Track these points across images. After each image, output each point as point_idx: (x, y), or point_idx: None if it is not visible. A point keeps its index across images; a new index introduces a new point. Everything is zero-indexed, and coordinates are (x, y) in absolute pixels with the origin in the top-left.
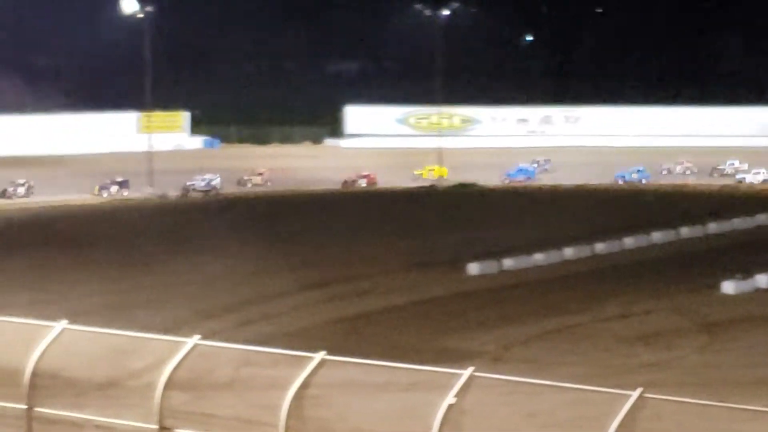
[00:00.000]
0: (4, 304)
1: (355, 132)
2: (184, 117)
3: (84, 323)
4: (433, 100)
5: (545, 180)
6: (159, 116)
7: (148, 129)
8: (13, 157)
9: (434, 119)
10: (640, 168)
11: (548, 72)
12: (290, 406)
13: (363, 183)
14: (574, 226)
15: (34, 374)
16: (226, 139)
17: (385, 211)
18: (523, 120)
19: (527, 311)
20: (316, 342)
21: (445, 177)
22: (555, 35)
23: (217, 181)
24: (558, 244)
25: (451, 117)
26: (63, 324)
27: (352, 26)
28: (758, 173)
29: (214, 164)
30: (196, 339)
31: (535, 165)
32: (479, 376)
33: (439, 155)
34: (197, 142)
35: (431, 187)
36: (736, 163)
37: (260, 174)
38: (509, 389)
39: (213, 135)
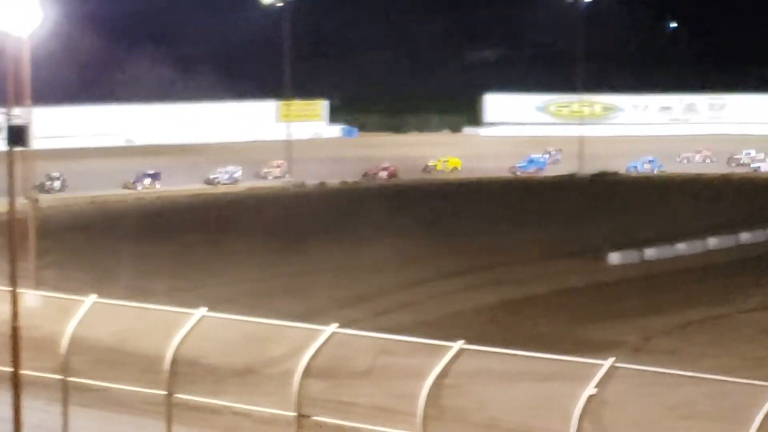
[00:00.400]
0: (145, 290)
1: (494, 120)
2: (322, 106)
3: (223, 311)
4: (573, 88)
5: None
6: (298, 105)
7: (287, 117)
8: (157, 146)
9: (575, 107)
10: (651, 158)
11: (692, 59)
12: (428, 395)
13: (384, 175)
14: (715, 215)
15: (174, 361)
16: (364, 127)
17: (524, 200)
18: (666, 108)
19: (669, 301)
20: (453, 331)
21: (459, 168)
22: (699, 21)
23: (238, 174)
24: (700, 233)
25: (592, 105)
26: (202, 311)
27: (491, 13)
28: None
29: (351, 153)
30: (334, 327)
31: (546, 156)
32: (620, 367)
33: (580, 144)
34: (335, 130)
35: (571, 175)
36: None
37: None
38: (650, 380)
39: (351, 124)
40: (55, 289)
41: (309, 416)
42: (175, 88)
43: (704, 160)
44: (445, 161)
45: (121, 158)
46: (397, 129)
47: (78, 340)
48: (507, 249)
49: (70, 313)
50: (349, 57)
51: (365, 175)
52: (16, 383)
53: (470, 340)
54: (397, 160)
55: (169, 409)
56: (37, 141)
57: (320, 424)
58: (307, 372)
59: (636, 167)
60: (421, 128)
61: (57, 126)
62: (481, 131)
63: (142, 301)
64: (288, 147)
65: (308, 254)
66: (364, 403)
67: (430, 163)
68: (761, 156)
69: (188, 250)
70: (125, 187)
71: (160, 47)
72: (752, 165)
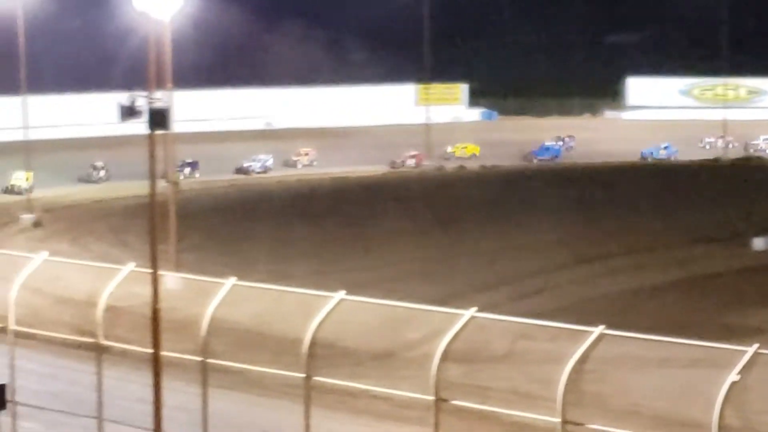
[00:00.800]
0: (283, 274)
1: (636, 104)
2: (462, 89)
3: (361, 294)
4: (718, 71)
5: None
6: (437, 88)
7: (426, 101)
8: (301, 129)
9: (719, 90)
10: (667, 145)
11: None
12: (568, 380)
13: (412, 163)
14: None
15: (313, 344)
16: (503, 111)
17: (666, 184)
18: None
19: None
20: (593, 316)
21: (477, 155)
22: None
23: (270, 162)
24: None
25: (737, 88)
26: (341, 295)
27: None
28: None
29: (491, 137)
30: (472, 311)
31: (561, 143)
32: (764, 354)
33: (724, 127)
34: (475, 114)
35: (715, 160)
36: None
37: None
38: None
39: (491, 107)
40: (195, 271)
41: (447, 400)
42: (314, 71)
43: None
44: (463, 148)
45: (261, 142)
46: (538, 112)
47: (217, 323)
48: (649, 234)
49: (209, 296)
50: (489, 40)
51: (393, 164)
52: (156, 365)
53: (611, 326)
54: (537, 144)
55: (308, 392)
56: (178, 124)
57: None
58: (446, 356)
59: (651, 153)
60: (561, 112)
61: (197, 109)
62: (623, 115)
63: (281, 285)
64: (427, 131)
65: (447, 238)
66: (502, 387)
67: (449, 149)
68: None
69: (328, 234)
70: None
71: (299, 30)
72: None
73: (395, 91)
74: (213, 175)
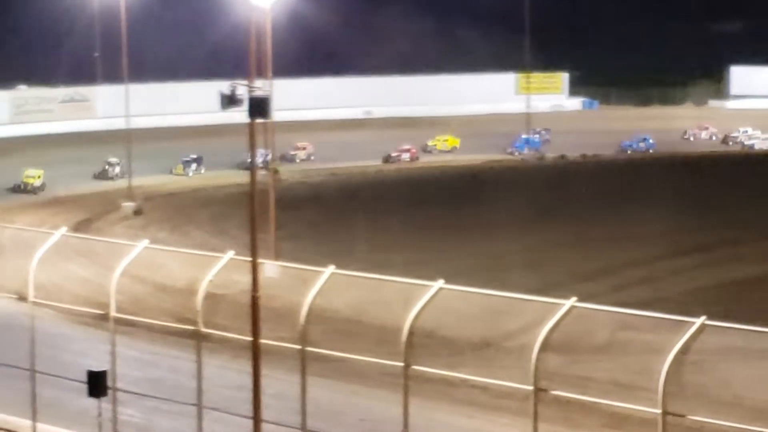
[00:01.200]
0: (381, 263)
1: (740, 93)
2: (562, 78)
3: (459, 284)
4: None
5: None
6: (537, 77)
7: (526, 90)
8: (399, 118)
9: None
10: (647, 137)
11: None
12: (669, 371)
13: (406, 157)
14: None
15: (411, 333)
16: (605, 100)
17: (762, 174)
18: None
19: None
20: (694, 307)
21: (458, 147)
22: None
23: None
24: None
25: None
26: (439, 284)
27: None
28: None
29: (592, 126)
30: (572, 301)
31: (537, 136)
32: None
33: None
34: (576, 103)
35: None
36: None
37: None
38: None
39: (592, 96)
40: (293, 260)
41: (546, 390)
42: (414, 60)
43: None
44: (444, 140)
45: (359, 131)
46: (640, 102)
47: (316, 311)
48: (749, 225)
49: (308, 284)
50: (590, 29)
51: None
52: (255, 352)
53: (712, 317)
54: (641, 132)
55: (406, 381)
56: (277, 113)
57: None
58: (545, 346)
59: (631, 146)
60: (663, 101)
61: (296, 98)
62: (727, 104)
63: (379, 274)
64: (527, 119)
65: (547, 228)
66: (602, 378)
67: (430, 142)
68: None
69: (426, 223)
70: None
71: (399, 19)
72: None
73: (495, 79)
74: (318, 164)
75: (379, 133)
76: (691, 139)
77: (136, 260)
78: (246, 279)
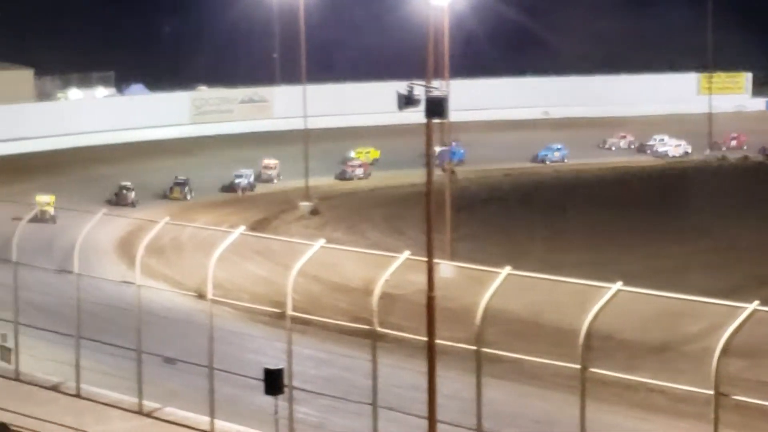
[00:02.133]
0: (556, 264)
1: None
2: (746, 78)
3: (637, 285)
4: None
5: None
6: (720, 77)
7: (708, 90)
8: (571, 119)
9: None
10: (560, 146)
11: None
12: None
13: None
14: None
15: (588, 335)
16: None
17: None
18: None
19: None
20: None
21: (378, 159)
22: None
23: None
24: None
25: None
26: (618, 285)
27: None
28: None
29: None
30: (755, 305)
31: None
32: None
33: None
34: (759, 103)
35: None
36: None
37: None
38: None
39: None
40: (469, 260)
41: (728, 395)
42: (592, 60)
43: None
44: (366, 152)
45: (536, 131)
46: None
47: (491, 312)
48: None
49: (483, 285)
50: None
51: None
52: (431, 353)
53: None
54: None
55: (583, 383)
56: (454, 113)
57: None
58: (726, 350)
59: (546, 156)
60: None
61: (474, 98)
62: None
63: (555, 275)
64: (709, 120)
65: (728, 229)
66: None
67: (352, 153)
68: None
69: (602, 225)
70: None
71: (576, 18)
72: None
73: (676, 79)
74: (493, 165)
75: (551, 133)
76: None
77: (312, 259)
78: (421, 279)
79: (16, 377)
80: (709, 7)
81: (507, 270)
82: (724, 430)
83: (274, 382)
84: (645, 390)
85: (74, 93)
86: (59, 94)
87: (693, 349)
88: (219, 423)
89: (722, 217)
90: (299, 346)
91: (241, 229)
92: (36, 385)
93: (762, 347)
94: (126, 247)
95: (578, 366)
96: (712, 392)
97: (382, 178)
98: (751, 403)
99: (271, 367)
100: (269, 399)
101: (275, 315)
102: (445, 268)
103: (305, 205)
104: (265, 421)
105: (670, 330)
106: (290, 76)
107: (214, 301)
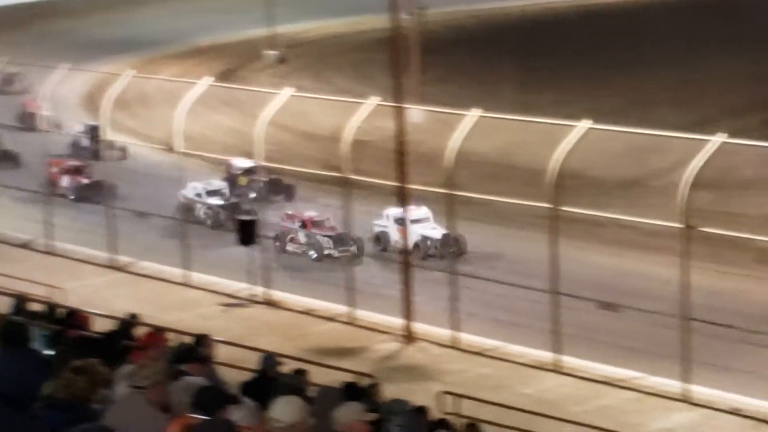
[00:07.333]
0: (527, 104)
1: None
2: None
3: (606, 123)
4: None
5: None
6: None
7: None
8: None
9: None
10: None
11: None
12: None
13: None
14: None
15: (559, 174)
16: None
17: None
18: None
19: None
20: None
21: None
22: None
23: None
24: None
25: None
26: (587, 124)
27: None
28: None
29: None
30: (723, 137)
31: None
32: None
33: None
34: None
35: None
36: None
37: None
38: None
39: None
40: (438, 104)
41: (696, 227)
42: None
43: None
44: None
45: None
46: None
47: (462, 155)
48: None
49: (454, 128)
50: None
51: None
52: (403, 198)
53: None
54: None
55: (554, 222)
56: None
57: None
58: (694, 183)
59: None
60: None
61: None
62: None
63: (525, 115)
64: None
65: (694, 63)
66: (752, 213)
67: None
68: None
69: (573, 62)
70: None
71: None
72: None
73: None
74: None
75: None
76: None
77: (281, 109)
78: (391, 125)
79: None
80: None
81: (477, 112)
82: (694, 261)
83: (247, 232)
84: (615, 226)
85: None
86: None
87: (662, 184)
88: (194, 275)
89: (689, 50)
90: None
91: (209, 80)
92: (6, 243)
93: (729, 179)
94: (93, 101)
95: (549, 205)
96: (680, 225)
97: (347, 24)
98: (719, 234)
99: (244, 217)
100: (243, 250)
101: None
102: (415, 113)
103: (271, 53)
104: (238, 271)
105: (638, 166)
106: None
107: (183, 154)
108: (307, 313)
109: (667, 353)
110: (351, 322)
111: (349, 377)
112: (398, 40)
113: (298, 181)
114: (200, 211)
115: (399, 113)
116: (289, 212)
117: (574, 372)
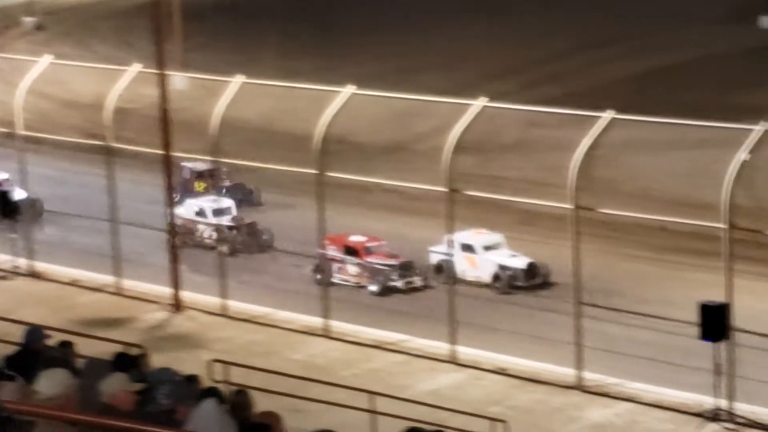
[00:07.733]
0: (291, 70)
1: None
2: None
3: (370, 88)
4: None
5: None
6: None
7: None
8: None
9: None
10: None
11: None
12: (579, 167)
13: None
14: None
15: (324, 140)
16: None
17: None
18: None
19: None
20: (602, 102)
21: None
22: None
23: None
24: None
25: None
26: (351, 89)
27: None
28: None
29: None
30: (483, 101)
31: None
32: None
33: None
34: None
35: None
36: None
37: None
38: None
39: None
40: (202, 71)
41: (460, 191)
42: None
43: None
44: None
45: None
46: None
47: (227, 122)
48: (650, 16)
49: (218, 95)
50: None
51: None
52: (167, 166)
53: (619, 111)
54: None
55: (321, 188)
56: None
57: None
58: (457, 147)
59: None
60: None
61: None
62: None
63: (290, 82)
64: None
65: (456, 28)
66: (514, 176)
67: None
68: None
69: (335, 28)
70: None
71: None
72: None
73: None
74: None
75: None
76: None
77: (40, 76)
78: (154, 92)
79: None
80: None
81: (240, 79)
82: (459, 223)
83: (8, 205)
84: (380, 191)
85: None
86: None
87: (426, 148)
88: None
89: (451, 17)
90: (33, 166)
91: None
92: None
93: (490, 142)
94: None
95: (315, 171)
96: (445, 189)
97: None
98: (483, 197)
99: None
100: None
101: (4, 135)
102: (178, 80)
103: (29, 20)
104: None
105: (403, 130)
106: None
107: None
108: (73, 284)
109: (433, 316)
110: (118, 293)
111: (117, 348)
112: (160, 7)
113: (60, 151)
114: None
115: (162, 80)
116: (331, 235)
117: (343, 336)
